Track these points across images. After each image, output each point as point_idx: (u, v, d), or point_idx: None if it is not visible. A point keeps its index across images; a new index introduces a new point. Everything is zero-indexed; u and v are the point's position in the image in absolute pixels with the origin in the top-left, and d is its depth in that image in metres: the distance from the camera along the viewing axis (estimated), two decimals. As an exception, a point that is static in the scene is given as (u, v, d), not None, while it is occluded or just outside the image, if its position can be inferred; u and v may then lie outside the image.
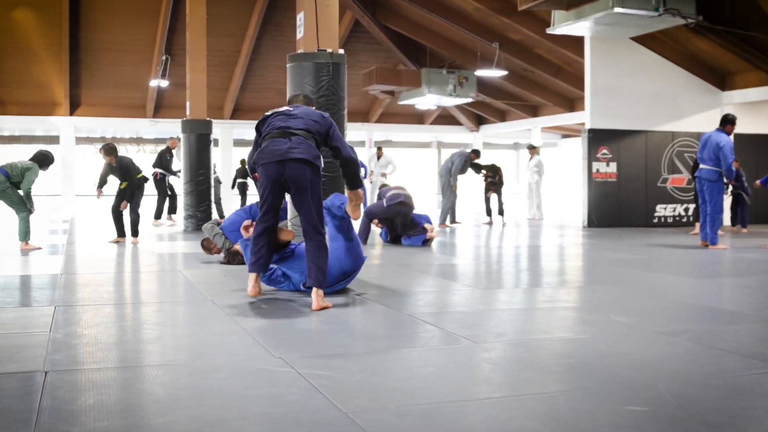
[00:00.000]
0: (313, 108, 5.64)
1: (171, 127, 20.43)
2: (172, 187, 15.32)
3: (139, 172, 10.69)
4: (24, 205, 9.49)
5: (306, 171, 5.16)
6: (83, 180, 22.82)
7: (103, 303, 5.51)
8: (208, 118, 13.94)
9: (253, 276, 5.55)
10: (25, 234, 9.49)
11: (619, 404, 3.03)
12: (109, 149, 10.38)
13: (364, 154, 22.60)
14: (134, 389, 3.29)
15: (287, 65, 7.18)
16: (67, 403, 3.05)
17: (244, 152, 23.59)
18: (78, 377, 3.44)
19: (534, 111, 22.64)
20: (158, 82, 20.20)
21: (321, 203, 5.31)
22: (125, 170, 10.36)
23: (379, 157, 20.51)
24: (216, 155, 23.69)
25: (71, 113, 21.56)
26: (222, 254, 8.23)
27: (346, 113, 7.22)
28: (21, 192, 9.48)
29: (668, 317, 5.02)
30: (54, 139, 22.49)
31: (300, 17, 7.28)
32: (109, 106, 21.91)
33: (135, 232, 10.58)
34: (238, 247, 7.94)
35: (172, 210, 15.37)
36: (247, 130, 24.31)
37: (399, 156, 28.77)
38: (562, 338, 4.35)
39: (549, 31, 12.80)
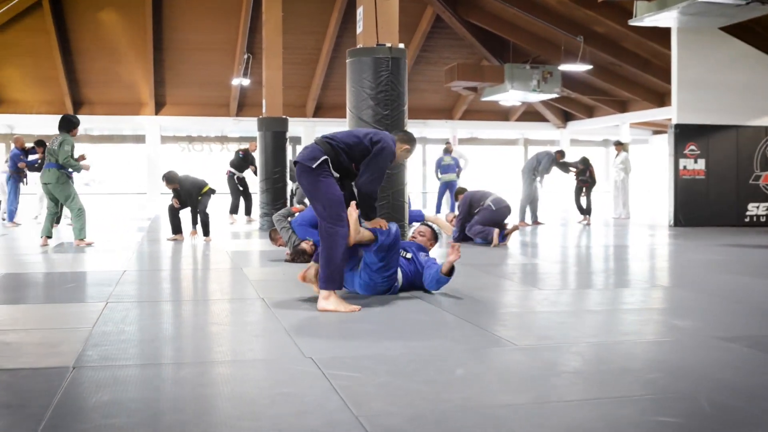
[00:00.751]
0: (389, 135, 5.54)
1: (254, 126, 20.78)
2: (247, 187, 15.57)
3: (203, 186, 10.84)
4: (76, 201, 9.78)
5: (301, 173, 5.20)
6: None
7: (154, 300, 5.59)
8: (284, 116, 14.04)
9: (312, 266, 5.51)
10: (80, 231, 9.77)
11: (648, 415, 2.88)
12: (168, 178, 10.66)
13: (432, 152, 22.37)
14: (153, 386, 3.29)
15: (347, 60, 7.15)
16: (83, 399, 3.08)
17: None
18: (102, 374, 3.47)
19: (622, 106, 22.09)
20: (240, 81, 20.52)
21: (327, 199, 5.16)
22: (187, 195, 10.65)
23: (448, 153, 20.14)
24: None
25: (156, 113, 22.14)
26: (287, 249, 8.20)
27: (406, 109, 7.13)
28: (62, 166, 9.76)
29: (733, 322, 4.78)
30: (140, 138, 23.13)
31: (360, 12, 7.25)
32: (193, 105, 22.40)
33: (206, 232, 10.75)
34: (305, 245, 7.94)
35: (248, 211, 15.60)
36: (329, 128, 24.50)
37: (485, 154, 28.54)
38: (607, 343, 4.17)
39: (632, 22, 12.44)
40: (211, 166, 25.45)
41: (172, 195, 11.00)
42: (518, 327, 4.60)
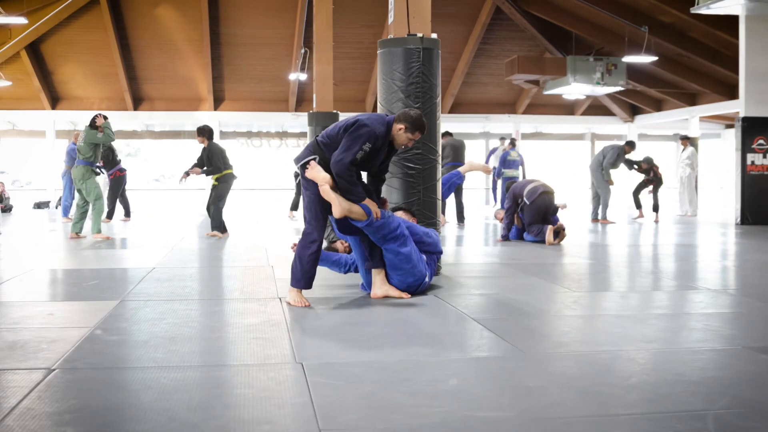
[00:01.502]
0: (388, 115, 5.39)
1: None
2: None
3: (229, 167, 10.79)
4: (99, 197, 10.09)
5: (300, 173, 5.27)
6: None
7: (169, 299, 5.49)
8: (335, 111, 13.92)
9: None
10: (98, 228, 10.15)
11: (642, 435, 2.62)
12: (200, 129, 10.69)
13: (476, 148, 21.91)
14: (124, 392, 3.17)
15: (378, 52, 6.95)
16: (46, 404, 2.96)
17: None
18: (77, 376, 3.36)
19: (692, 99, 21.35)
20: (297, 76, 20.48)
21: (306, 202, 5.22)
22: (210, 155, 10.56)
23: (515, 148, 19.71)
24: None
25: (215, 108, 22.26)
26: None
27: (439, 101, 6.89)
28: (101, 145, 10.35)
29: (772, 330, 4.44)
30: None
31: (391, 1, 7.03)
32: (252, 100, 22.44)
33: (214, 227, 10.72)
34: (339, 245, 7.79)
35: (294, 206, 15.61)
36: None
37: (550, 149, 28.01)
38: (624, 351, 3.89)
39: (695, 10, 11.93)
40: (270, 162, 25.59)
41: (193, 164, 10.97)
42: (535, 336, 4.35)
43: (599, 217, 13.54)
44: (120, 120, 22.64)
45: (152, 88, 21.64)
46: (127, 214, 15.53)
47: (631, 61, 17.72)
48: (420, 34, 6.69)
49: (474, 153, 23.54)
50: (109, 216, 14.88)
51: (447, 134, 13.99)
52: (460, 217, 13.73)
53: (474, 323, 4.56)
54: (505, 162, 15.74)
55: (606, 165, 13.51)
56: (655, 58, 16.94)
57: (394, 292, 5.38)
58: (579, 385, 3.26)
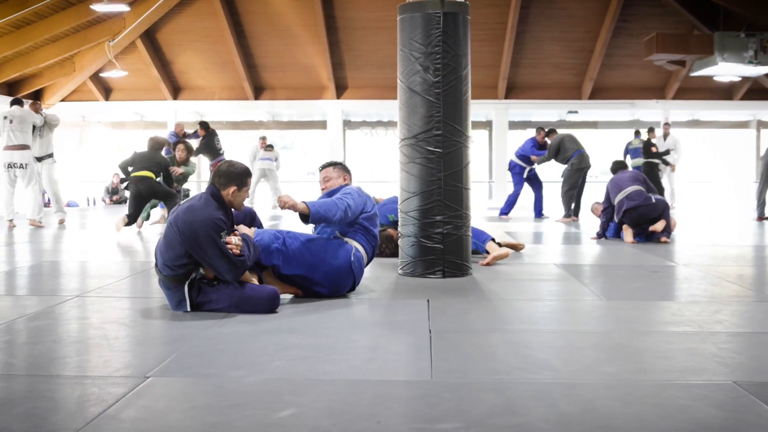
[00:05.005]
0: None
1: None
2: None
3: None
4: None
5: None
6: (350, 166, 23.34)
7: (127, 296, 5.13)
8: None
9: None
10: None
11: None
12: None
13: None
14: None
15: (397, 18, 6.33)
16: None
17: (520, 135, 22.75)
18: None
19: None
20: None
21: None
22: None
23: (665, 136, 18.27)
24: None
25: (338, 96, 22.07)
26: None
27: (466, 75, 6.19)
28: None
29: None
30: (322, 125, 23.26)
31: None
32: (375, 87, 22.02)
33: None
34: (391, 231, 7.31)
35: None
36: (523, 110, 23.42)
37: (710, 138, 26.09)
38: (603, 373, 3.15)
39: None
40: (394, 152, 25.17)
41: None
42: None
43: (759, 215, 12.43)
44: (241, 110, 22.93)
45: (272, 77, 21.70)
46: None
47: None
48: (445, -5, 6.00)
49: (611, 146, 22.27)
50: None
51: (552, 132, 13.40)
52: (539, 213, 13.29)
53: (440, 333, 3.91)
54: (630, 152, 14.95)
55: None
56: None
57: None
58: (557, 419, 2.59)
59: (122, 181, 13.02)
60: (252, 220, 4.98)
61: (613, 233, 9.43)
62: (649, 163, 15.87)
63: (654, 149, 16.15)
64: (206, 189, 4.56)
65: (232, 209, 4.60)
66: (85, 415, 2.65)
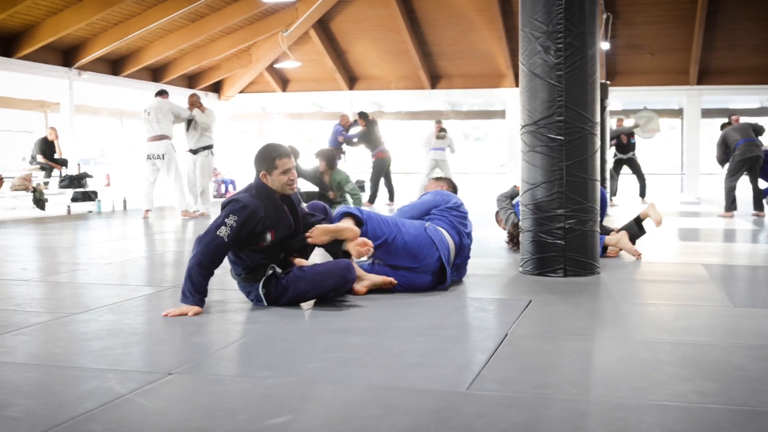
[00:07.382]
0: None
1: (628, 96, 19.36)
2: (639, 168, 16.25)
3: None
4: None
5: None
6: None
7: (217, 288, 5.13)
8: (603, 81, 12.76)
9: None
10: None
11: None
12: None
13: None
14: None
15: (520, -3, 5.99)
16: None
17: (714, 124, 21.37)
18: None
19: None
20: (599, 45, 19.22)
21: None
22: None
23: None
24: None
25: (516, 84, 21.64)
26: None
27: (594, 53, 5.78)
28: None
29: None
30: (501, 114, 22.87)
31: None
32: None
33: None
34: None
35: (642, 193, 16.25)
36: (718, 96, 22.02)
37: None
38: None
39: None
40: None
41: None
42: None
43: None
44: (418, 99, 22.95)
45: (448, 65, 21.55)
46: (391, 198, 15.60)
47: None
48: (566, -31, 5.63)
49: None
50: (371, 200, 15.02)
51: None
52: (758, 205, 12.16)
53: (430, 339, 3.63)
54: None
55: None
56: None
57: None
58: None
59: None
60: (324, 214, 4.82)
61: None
62: None
63: None
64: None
65: (287, 195, 4.46)
66: (72, 411, 2.60)
